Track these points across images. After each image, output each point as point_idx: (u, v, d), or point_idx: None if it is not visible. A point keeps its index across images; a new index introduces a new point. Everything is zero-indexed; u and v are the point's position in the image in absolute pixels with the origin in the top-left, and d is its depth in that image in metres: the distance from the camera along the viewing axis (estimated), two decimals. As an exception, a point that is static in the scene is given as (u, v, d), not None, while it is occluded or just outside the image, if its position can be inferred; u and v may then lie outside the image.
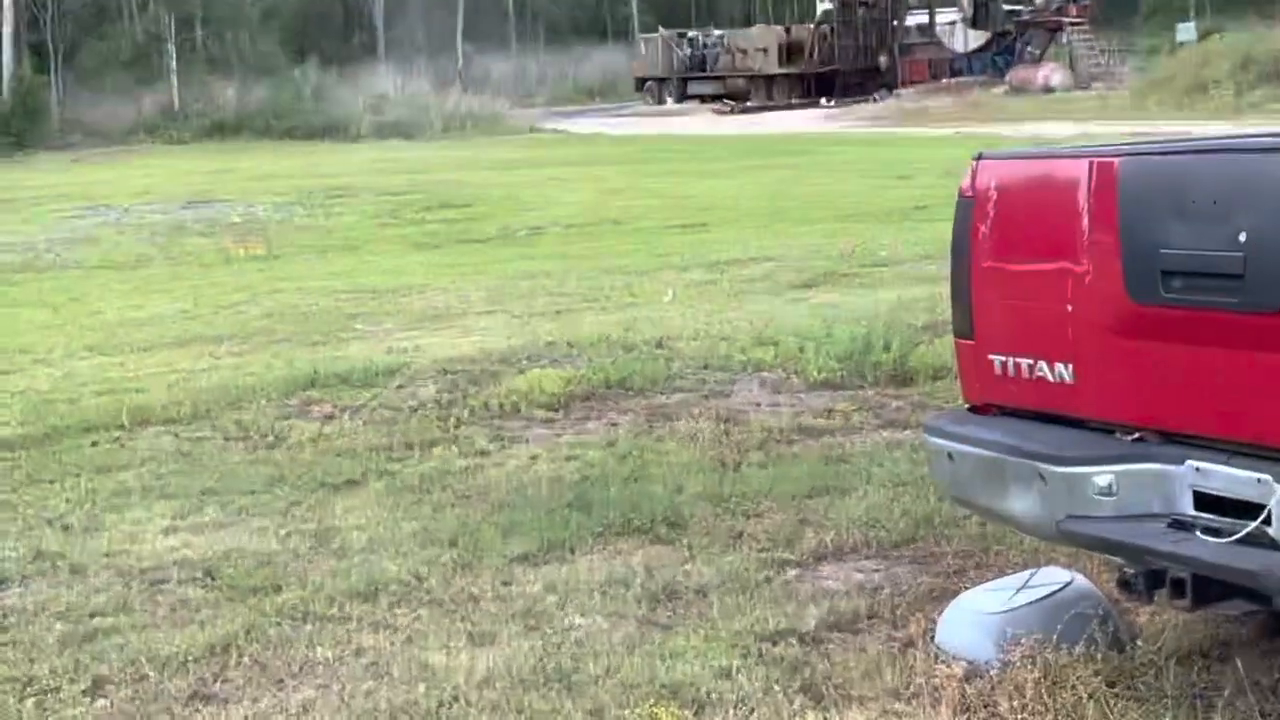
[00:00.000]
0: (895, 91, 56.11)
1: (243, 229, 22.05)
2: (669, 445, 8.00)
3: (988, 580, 5.58)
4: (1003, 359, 4.68)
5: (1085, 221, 4.35)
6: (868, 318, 10.74)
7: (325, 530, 6.84)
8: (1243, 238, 3.91)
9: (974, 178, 4.73)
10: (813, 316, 11.15)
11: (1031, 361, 4.58)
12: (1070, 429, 4.54)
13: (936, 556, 6.13)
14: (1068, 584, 5.11)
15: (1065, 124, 38.03)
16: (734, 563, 6.13)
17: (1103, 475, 4.29)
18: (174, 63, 57.53)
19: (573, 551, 6.42)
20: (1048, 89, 48.67)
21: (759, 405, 8.84)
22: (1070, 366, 4.47)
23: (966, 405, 4.94)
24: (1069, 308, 4.42)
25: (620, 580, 6.00)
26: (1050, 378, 4.54)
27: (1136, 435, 4.37)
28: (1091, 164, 4.35)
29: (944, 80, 57.31)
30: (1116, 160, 4.28)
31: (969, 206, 4.72)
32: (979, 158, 4.76)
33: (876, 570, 6.07)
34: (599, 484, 7.31)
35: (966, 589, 5.46)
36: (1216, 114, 36.75)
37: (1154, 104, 41.27)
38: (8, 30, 54.63)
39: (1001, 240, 4.64)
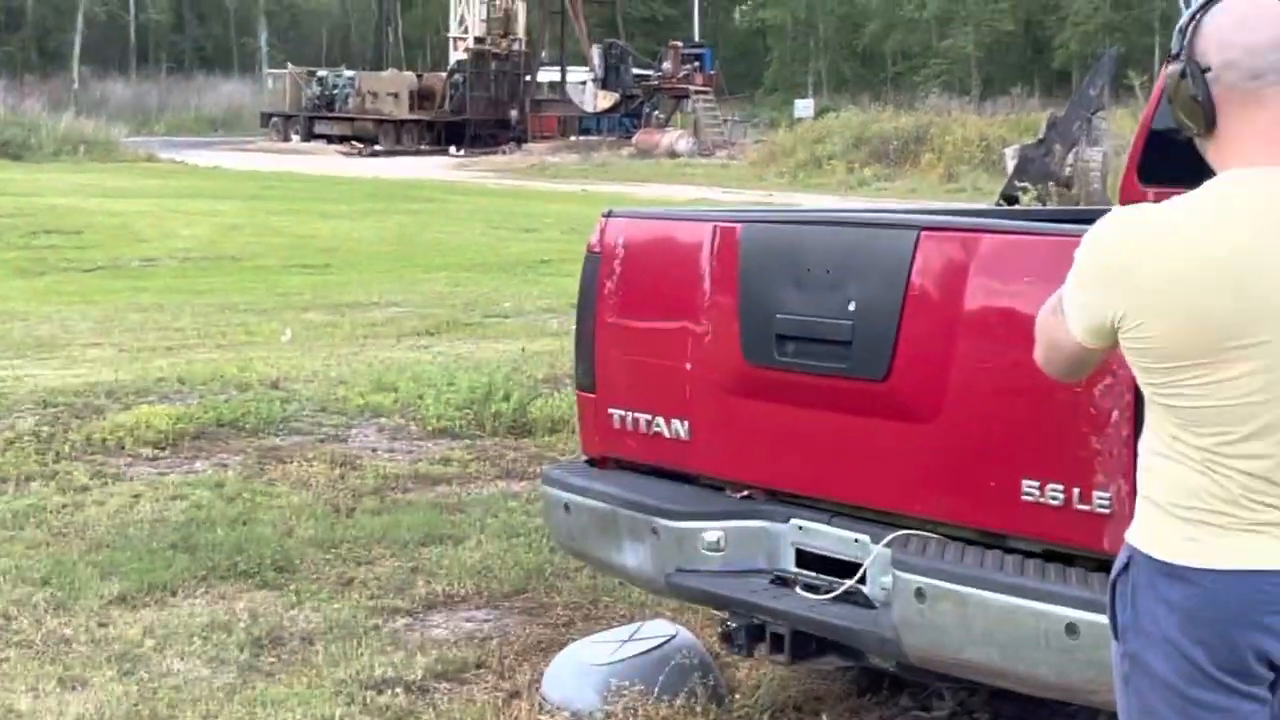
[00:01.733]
0: (524, 145, 56.61)
1: None
2: (281, 488, 7.85)
3: (595, 632, 5.65)
4: (622, 413, 4.76)
5: (707, 283, 4.46)
6: (489, 367, 10.78)
7: (-93, 566, 6.47)
8: (852, 307, 4.08)
9: (602, 234, 4.80)
10: (434, 364, 11.13)
11: (650, 417, 4.67)
12: (684, 485, 4.64)
13: (547, 607, 6.17)
14: (672, 637, 5.20)
15: (687, 188, 39.00)
16: (342, 609, 6.05)
17: (712, 531, 4.39)
18: None
19: (174, 594, 6.23)
20: (672, 153, 49.82)
21: (376, 451, 8.76)
22: (686, 423, 4.58)
23: (585, 458, 5.00)
24: (688, 366, 4.53)
25: (223, 625, 5.85)
26: (667, 434, 4.63)
27: (745, 493, 4.50)
28: (715, 228, 4.47)
29: (573, 138, 58.15)
30: (739, 226, 4.41)
31: (595, 262, 4.80)
32: (608, 215, 4.84)
33: (487, 620, 6.07)
34: (205, 525, 7.12)
35: (574, 640, 5.51)
36: (829, 188, 38.27)
37: (772, 175, 42.68)
38: None
39: (626, 297, 4.72)
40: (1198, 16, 2.70)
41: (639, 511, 4.52)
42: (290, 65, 67.43)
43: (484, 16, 61.26)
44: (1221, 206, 2.61)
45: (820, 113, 55.97)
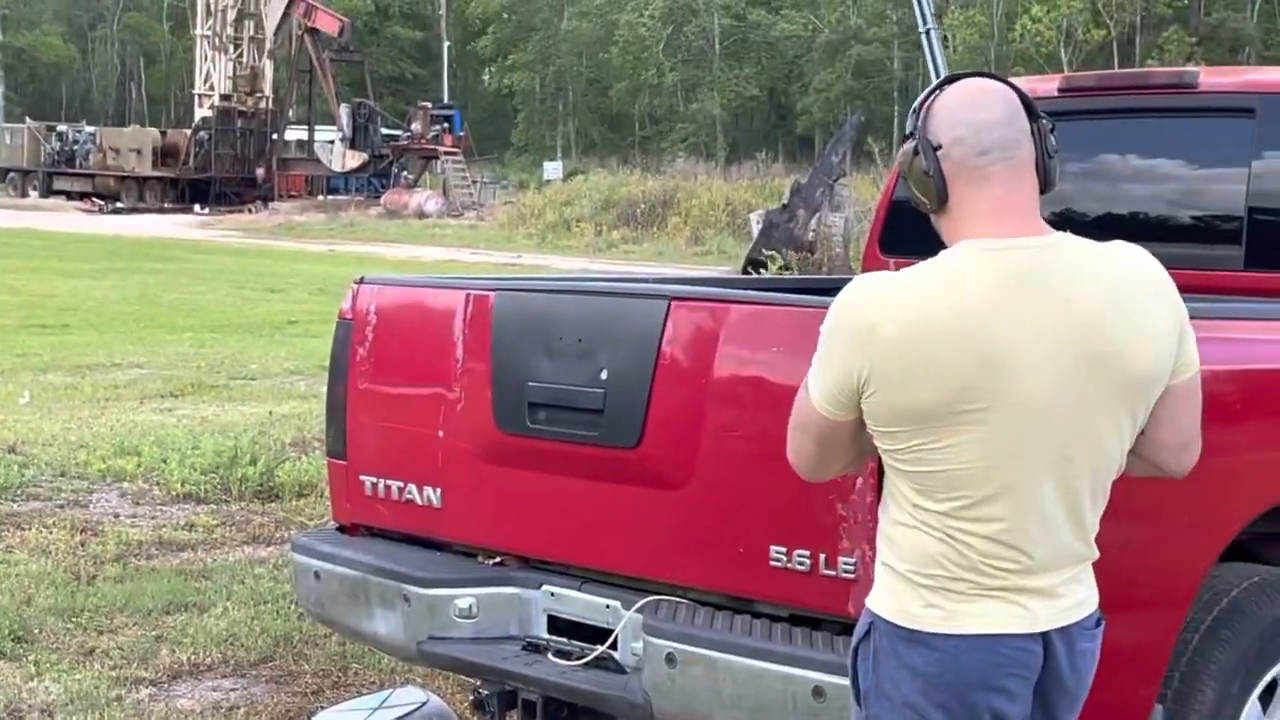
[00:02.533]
0: (271, 205, 55.91)
1: None
2: (19, 555, 7.62)
3: (345, 700, 5.60)
4: (374, 480, 4.74)
5: (459, 351, 4.48)
6: (235, 431, 10.62)
7: None
8: (604, 375, 4.13)
9: (354, 300, 4.79)
10: (179, 427, 10.92)
11: (402, 484, 4.66)
12: (436, 552, 4.64)
13: (295, 675, 6.10)
14: (423, 704, 5.17)
15: (437, 249, 38.98)
16: (84, 680, 5.89)
17: (464, 598, 4.40)
18: None
19: (-97, 668, 6.01)
20: (421, 214, 49.69)
21: (118, 516, 8.56)
22: (439, 491, 4.58)
23: (335, 525, 4.97)
24: (440, 433, 4.53)
25: (-43, 700, 5.66)
26: (419, 501, 4.63)
27: (498, 560, 4.52)
28: (468, 296, 4.49)
29: (320, 197, 57.65)
30: (492, 294, 4.44)
31: (348, 328, 4.78)
32: (360, 281, 4.83)
33: (234, 689, 5.97)
34: (-62, 595, 6.88)
35: (323, 708, 5.45)
36: (578, 250, 38.56)
37: (521, 236, 42.86)
38: None
39: (378, 363, 4.72)
40: (931, 97, 2.85)
41: (390, 579, 4.50)
42: (29, 119, 65.63)
43: (230, 73, 60.61)
44: (954, 276, 2.73)
45: (569, 175, 56.49)
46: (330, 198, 57.08)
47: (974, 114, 2.78)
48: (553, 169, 60.42)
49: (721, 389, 3.95)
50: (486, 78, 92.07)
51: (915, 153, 2.80)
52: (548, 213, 45.09)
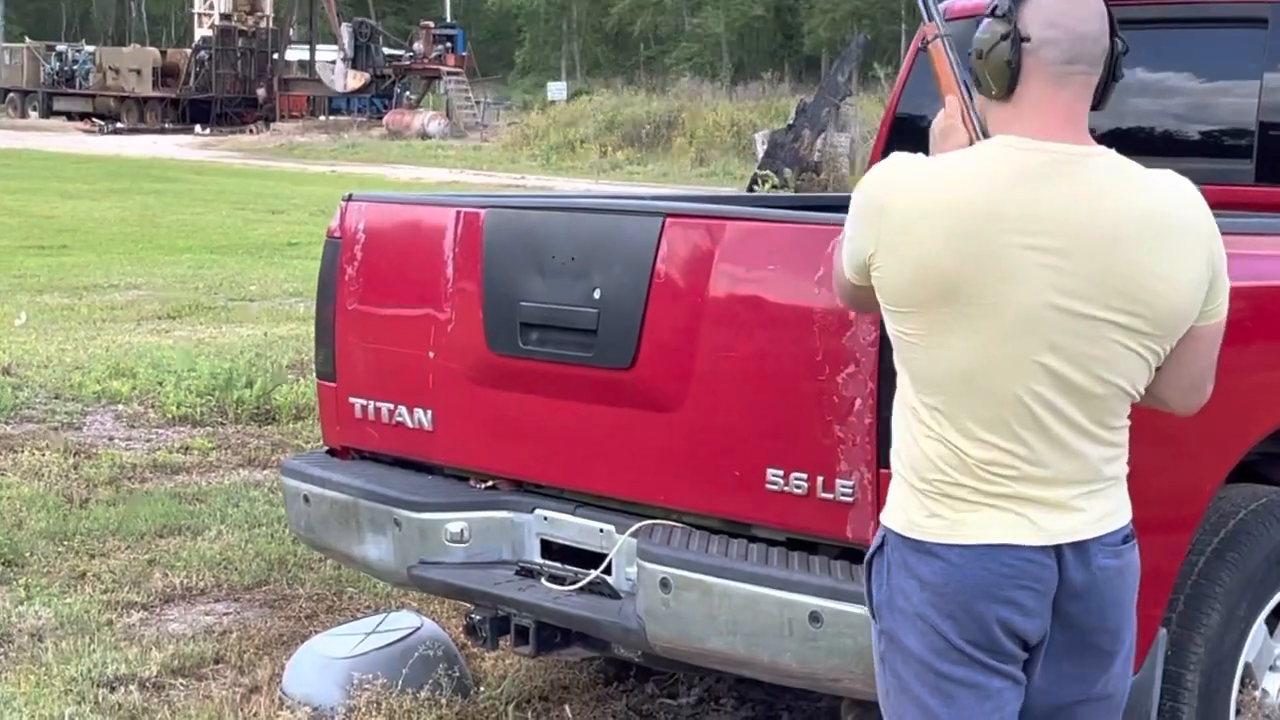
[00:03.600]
0: (272, 125, 55.61)
1: None
2: (11, 479, 7.54)
3: (339, 625, 5.54)
4: (364, 403, 4.65)
5: (450, 270, 4.37)
6: (232, 353, 10.53)
7: None
8: (597, 294, 4.03)
9: (342, 219, 4.68)
10: (175, 349, 10.82)
11: (392, 407, 4.57)
12: (428, 475, 4.56)
13: (289, 600, 6.03)
14: (417, 629, 5.11)
15: (439, 170, 38.74)
16: (74, 604, 5.82)
17: (455, 522, 4.31)
18: None
19: (-110, 590, 5.94)
20: (424, 135, 49.37)
21: (112, 439, 8.48)
22: (430, 413, 4.49)
23: (326, 448, 4.88)
24: (430, 354, 4.43)
25: (-53, 623, 5.60)
26: (410, 423, 4.54)
27: (489, 483, 4.43)
28: (458, 213, 4.38)
29: (322, 118, 57.33)
30: (482, 211, 4.33)
31: (336, 248, 4.67)
32: (348, 199, 4.72)
33: (226, 613, 5.91)
34: (-72, 518, 6.81)
35: (317, 633, 5.39)
36: (582, 171, 38.35)
37: (525, 158, 42.59)
38: None
39: (367, 284, 4.61)
40: None
41: (380, 503, 4.42)
42: (28, 39, 65.20)
43: (231, -7, 60.08)
44: (976, 167, 2.71)
45: (573, 96, 56.05)
46: (332, 118, 56.75)
47: (1074, 21, 2.73)
48: (556, 89, 59.97)
49: (717, 308, 3.85)
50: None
51: (1003, 38, 2.73)
52: (551, 134, 44.79)
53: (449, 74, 55.58)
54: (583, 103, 49.37)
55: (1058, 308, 2.65)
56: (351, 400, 4.68)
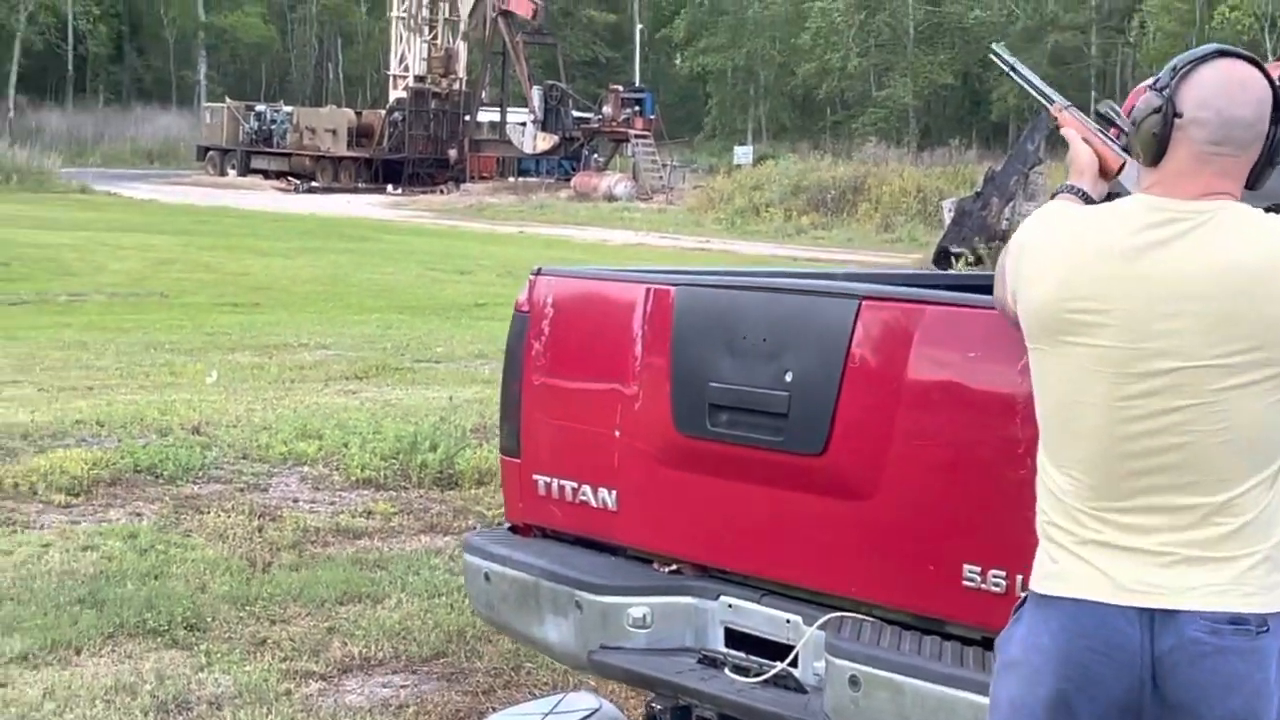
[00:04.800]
0: (463, 186, 56.42)
1: None
2: (196, 540, 7.60)
3: (517, 701, 5.45)
4: (548, 480, 4.57)
5: (638, 348, 4.28)
6: (417, 415, 10.56)
7: None
8: (789, 377, 3.90)
9: (531, 292, 4.62)
10: (361, 410, 10.89)
11: (576, 485, 4.48)
12: (610, 557, 4.45)
13: (466, 673, 5.96)
14: (595, 711, 5.01)
15: (625, 232, 38.96)
16: (254, 672, 5.81)
17: (638, 606, 4.20)
18: None
19: (79, 653, 5.98)
20: (610, 197, 49.71)
21: (297, 501, 8.52)
22: (614, 493, 4.39)
23: (508, 525, 4.80)
24: (616, 433, 4.34)
25: (128, 687, 5.61)
26: (594, 503, 4.44)
27: (673, 567, 4.31)
28: (648, 290, 4.29)
29: (511, 179, 58.01)
30: (673, 289, 4.23)
31: (524, 321, 4.61)
32: (537, 273, 4.65)
33: (404, 686, 5.85)
34: (116, 579, 6.86)
35: (494, 710, 5.33)
36: (767, 236, 38.28)
37: (710, 221, 42.65)
38: None
39: (554, 359, 4.53)
40: (1194, 65, 2.81)
41: (562, 584, 4.32)
42: (228, 99, 66.99)
43: (425, 55, 61.18)
44: (1115, 217, 2.78)
45: (759, 159, 56.08)
46: (521, 179, 57.37)
47: (1227, 105, 2.76)
48: (743, 153, 60.07)
49: (913, 395, 3.71)
50: (679, 61, 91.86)
51: (1157, 111, 2.79)
52: (737, 197, 44.81)
53: (636, 137, 55.91)
54: (768, 167, 49.35)
55: (1162, 347, 2.67)
56: (535, 477, 4.60)
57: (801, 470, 3.90)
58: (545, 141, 57.42)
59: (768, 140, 75.62)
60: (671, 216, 44.96)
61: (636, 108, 57.12)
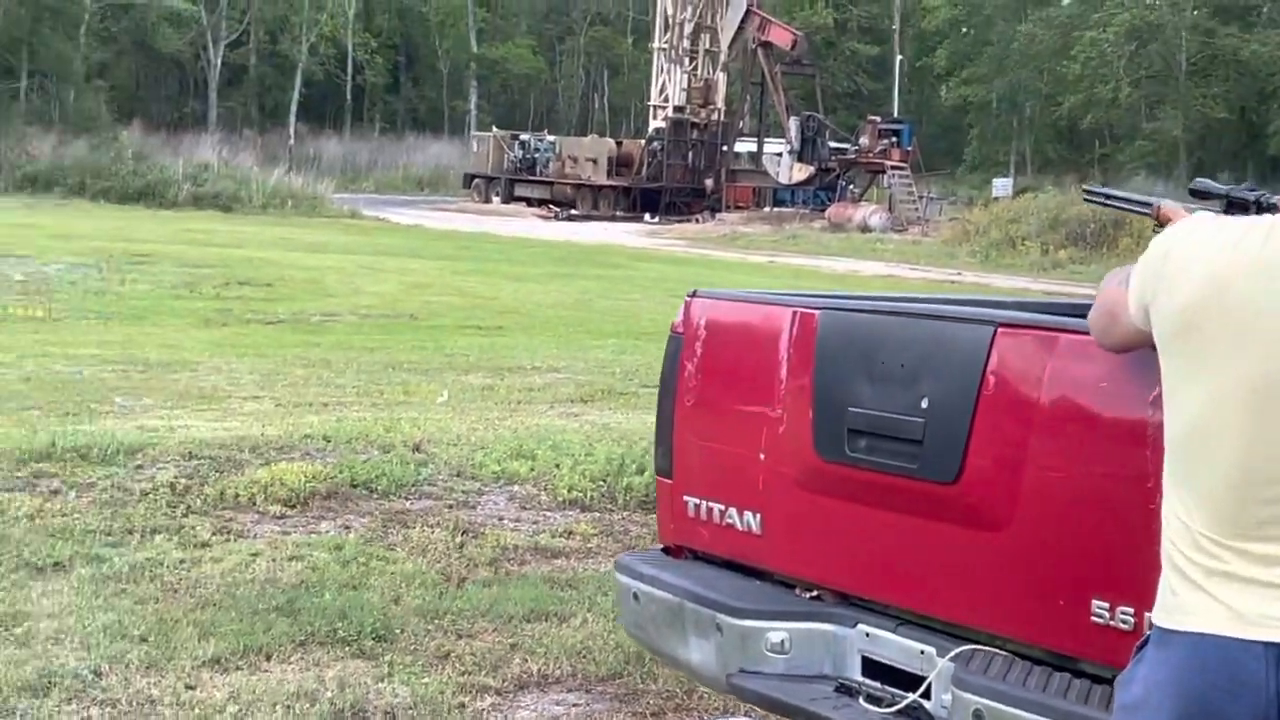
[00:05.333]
0: (718, 215, 56.72)
1: (28, 288, 21.43)
2: (398, 553, 7.79)
3: (681, 724, 5.48)
4: (697, 502, 4.59)
5: (784, 371, 4.28)
6: (631, 439, 10.64)
7: (14, 614, 6.50)
8: (925, 404, 3.86)
9: (686, 314, 4.65)
10: (579, 433, 11.03)
11: (723, 507, 4.49)
12: (754, 581, 4.45)
13: (639, 694, 6.00)
14: (752, 736, 5.00)
15: (876, 264, 38.71)
16: (431, 685, 5.93)
17: (777, 632, 4.19)
18: (-10, 109, 56.30)
19: (269, 658, 6.17)
20: (864, 228, 49.44)
21: (502, 520, 8.66)
22: (758, 516, 4.39)
23: (661, 546, 4.83)
24: (761, 456, 4.34)
25: (309, 694, 5.77)
26: (739, 526, 4.45)
27: (815, 594, 4.29)
28: (794, 314, 4.29)
29: (766, 209, 58.11)
30: (817, 312, 4.22)
31: (678, 343, 4.65)
32: (693, 295, 4.69)
33: (576, 705, 5.92)
34: (315, 588, 7.07)
35: (656, 732, 5.33)
36: (1022, 270, 37.65)
37: (964, 254, 42.12)
38: None
39: (705, 381, 4.56)
40: None
41: (704, 606, 4.33)
42: (495, 128, 68.46)
43: (685, 85, 61.72)
44: (1260, 230, 2.68)
45: (1019, 192, 55.18)
46: (776, 209, 57.45)
47: None
48: (1001, 185, 59.22)
49: (1046, 425, 3.64)
50: (944, 92, 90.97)
51: None
52: (992, 230, 44.14)
53: (893, 168, 55.52)
54: (1026, 199, 48.53)
55: None
56: (685, 498, 4.62)
57: (935, 498, 3.85)
58: (801, 172, 57.37)
59: (1031, 173, 74.36)
60: (925, 249, 44.52)
61: (894, 139, 56.73)
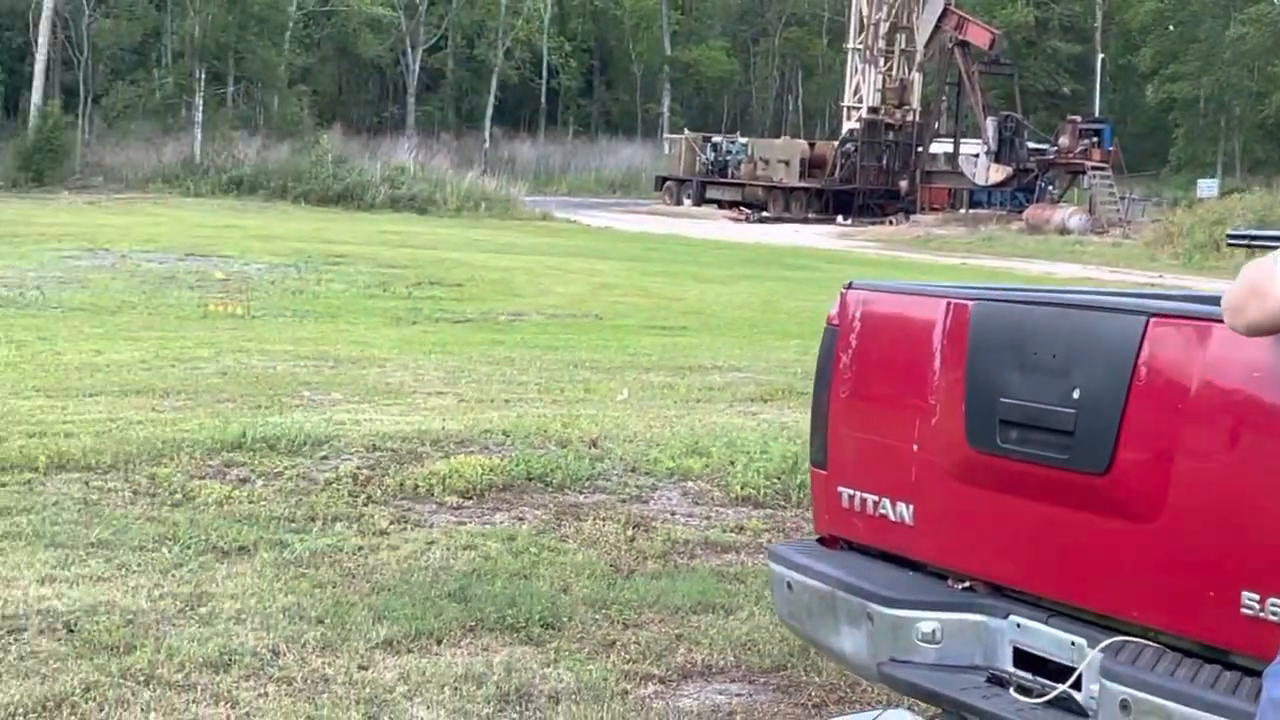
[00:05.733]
0: (912, 217, 56.28)
1: (229, 286, 22.07)
2: (570, 545, 7.90)
3: (841, 716, 5.48)
4: (851, 492, 4.60)
5: (937, 361, 4.28)
6: (808, 437, 10.63)
7: (199, 595, 6.74)
8: (1076, 394, 3.84)
9: (842, 306, 4.67)
10: (755, 431, 11.05)
11: (876, 498, 4.50)
12: (906, 571, 4.45)
13: (802, 686, 6.02)
14: (908, 729, 5.00)
15: (1073, 266, 38.14)
16: (596, 671, 6.02)
17: (928, 622, 4.19)
18: (199, 115, 57.87)
19: (439, 642, 6.31)
20: (1063, 230, 48.69)
21: (674, 515, 8.73)
22: (911, 507, 4.39)
23: (817, 536, 4.86)
24: (914, 447, 4.35)
25: (476, 677, 5.89)
26: (892, 516, 4.46)
27: (967, 584, 4.28)
28: (948, 304, 4.29)
29: (962, 210, 57.52)
30: (970, 303, 4.22)
31: (834, 335, 4.68)
32: (849, 286, 4.71)
33: (739, 695, 5.95)
34: (486, 577, 7.21)
35: (814, 723, 5.36)
36: (1227, 273, 36.75)
37: (1166, 256, 41.33)
38: (39, 67, 55.14)
39: (859, 372, 4.58)
40: None
41: (855, 595, 4.35)
42: (687, 130, 68.68)
43: (879, 86, 61.35)
44: None
45: (1226, 193, 53.88)
46: (971, 211, 56.84)
47: None
48: (1207, 186, 57.88)
49: (1196, 415, 3.60)
50: (1149, 91, 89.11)
51: None
52: (1196, 232, 43.21)
53: (1094, 169, 54.62)
54: (1233, 200, 47.37)
55: None
56: (840, 489, 4.64)
57: (1086, 489, 3.83)
58: (998, 173, 56.68)
59: (1240, 174, 72.55)
60: (1125, 251, 43.75)
61: (1095, 139, 55.80)
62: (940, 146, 61.58)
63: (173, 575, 7.03)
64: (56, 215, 37.94)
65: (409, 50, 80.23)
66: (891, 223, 55.62)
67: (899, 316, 4.55)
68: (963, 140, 60.74)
